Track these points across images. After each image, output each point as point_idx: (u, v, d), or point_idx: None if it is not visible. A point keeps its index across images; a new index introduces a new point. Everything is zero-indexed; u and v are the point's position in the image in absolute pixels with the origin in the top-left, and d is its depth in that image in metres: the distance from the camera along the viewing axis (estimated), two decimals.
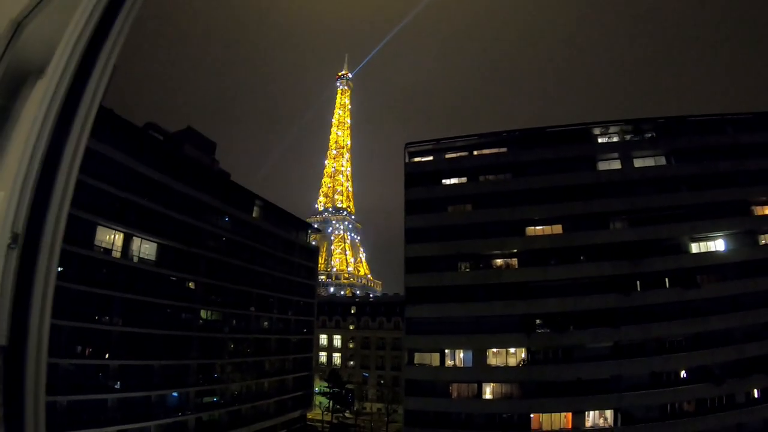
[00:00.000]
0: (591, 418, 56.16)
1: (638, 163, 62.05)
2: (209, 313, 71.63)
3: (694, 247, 59.30)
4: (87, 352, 52.35)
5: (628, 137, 63.98)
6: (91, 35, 2.48)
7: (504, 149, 67.31)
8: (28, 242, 2.04)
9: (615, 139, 64.56)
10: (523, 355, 58.75)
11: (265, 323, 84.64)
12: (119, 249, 56.56)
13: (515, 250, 62.05)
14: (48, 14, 2.81)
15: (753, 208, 59.83)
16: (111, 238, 55.70)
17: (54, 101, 2.35)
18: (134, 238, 58.40)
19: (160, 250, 62.11)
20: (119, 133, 56.36)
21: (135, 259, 58.56)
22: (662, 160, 61.96)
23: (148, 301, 59.12)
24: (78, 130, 2.28)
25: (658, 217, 58.55)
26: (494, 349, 59.74)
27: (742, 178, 58.56)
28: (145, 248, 60.15)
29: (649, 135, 63.51)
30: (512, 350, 59.22)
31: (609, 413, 55.69)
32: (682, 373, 56.66)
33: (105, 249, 54.67)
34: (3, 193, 2.32)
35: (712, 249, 59.19)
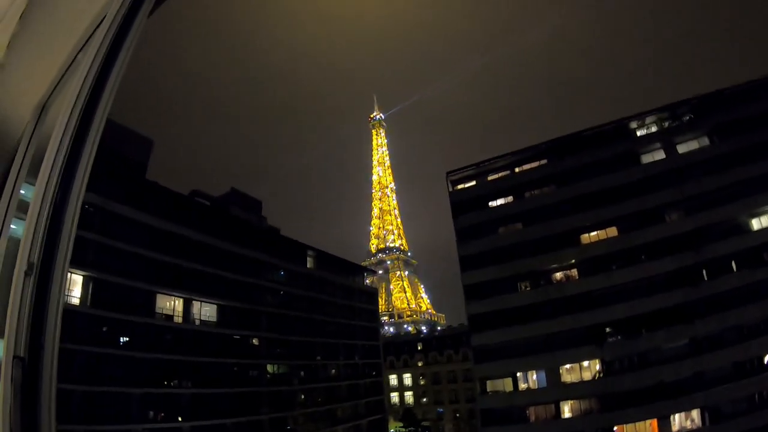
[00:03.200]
0: (677, 421, 52.78)
1: (682, 148, 59.57)
2: (276, 366, 72.08)
3: (756, 224, 55.37)
4: (159, 416, 53.41)
5: (666, 124, 61.87)
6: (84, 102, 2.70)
7: (544, 161, 66.46)
8: (42, 270, 2.36)
9: (654, 129, 62.54)
10: (597, 367, 56.42)
11: (333, 370, 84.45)
12: (180, 314, 58.23)
13: (573, 261, 60.46)
14: (66, 93, 2.99)
15: None
16: (171, 304, 57.46)
17: (59, 153, 2.60)
18: (194, 302, 59.99)
19: (220, 310, 63.36)
20: (166, 204, 58.69)
21: (197, 322, 59.99)
22: (706, 141, 59.15)
23: (214, 362, 60.21)
24: (81, 177, 2.53)
25: (713, 201, 55.42)
26: (567, 366, 57.67)
27: None
28: (205, 311, 61.54)
29: (687, 117, 61.02)
30: (586, 364, 57.05)
31: (695, 413, 52.15)
32: (767, 358, 52.77)
33: (167, 315, 56.40)
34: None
35: None
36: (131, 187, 55.00)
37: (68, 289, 46.46)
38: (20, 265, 2.41)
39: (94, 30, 2.76)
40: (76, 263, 46.74)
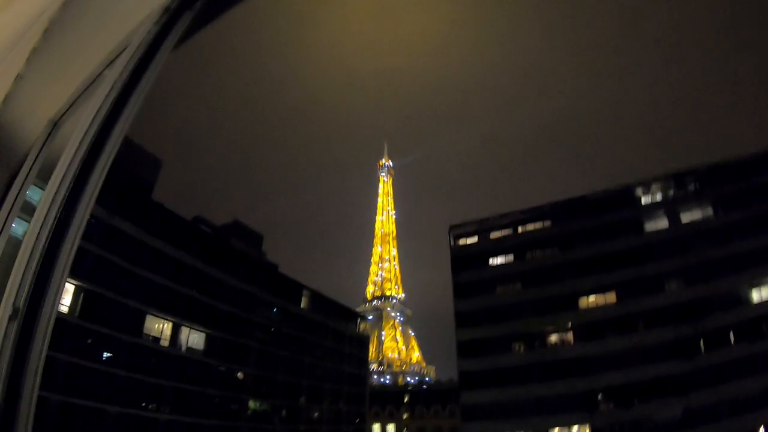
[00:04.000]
0: None
1: (685, 218, 59.95)
2: (258, 403, 70.54)
3: (755, 295, 54.82)
4: None
5: (671, 192, 62.34)
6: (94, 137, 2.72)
7: (548, 222, 66.81)
8: (27, 315, 2.27)
9: (658, 197, 63.06)
10: None
11: (316, 414, 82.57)
12: (168, 338, 57.61)
13: (569, 325, 59.97)
14: (80, 113, 3.03)
15: None
16: (160, 327, 56.92)
17: (60, 190, 2.56)
18: (183, 327, 59.29)
19: (209, 340, 62.59)
20: (168, 226, 58.78)
21: (183, 349, 59.26)
22: (710, 211, 59.49)
23: (195, 390, 59.13)
24: (80, 217, 2.49)
25: (713, 271, 55.21)
26: (557, 429, 56.32)
27: None
28: (193, 338, 60.85)
29: (692, 186, 61.66)
30: (575, 429, 55.75)
31: None
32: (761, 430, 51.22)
33: (154, 337, 55.73)
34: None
35: None
36: (136, 204, 55.33)
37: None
38: (4, 309, 2.32)
39: (117, 56, 2.80)
40: (70, 271, 46.16)
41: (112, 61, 2.68)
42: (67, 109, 2.97)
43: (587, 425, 55.15)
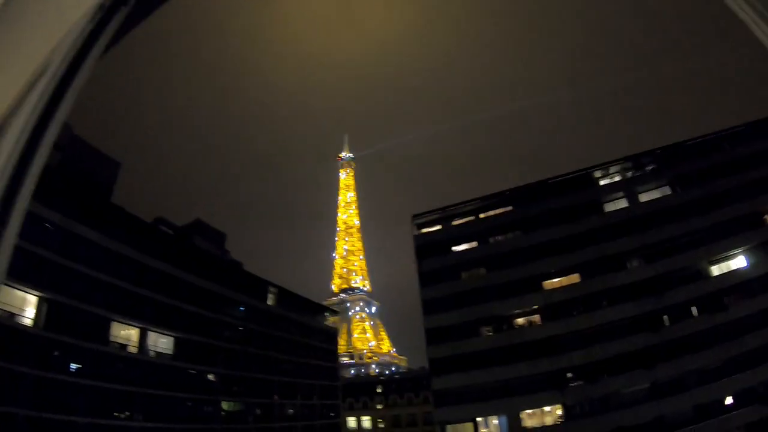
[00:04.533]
0: None
1: (644, 197, 61.73)
2: (231, 404, 69.92)
3: (715, 270, 57.19)
4: None
5: (629, 174, 64.22)
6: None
7: (509, 207, 67.70)
8: None
9: (617, 179, 64.78)
10: (559, 412, 56.34)
11: (290, 410, 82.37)
12: (135, 343, 56.36)
13: (536, 306, 61.02)
14: (20, 114, 2.96)
15: (766, 217, 57.50)
16: (127, 333, 55.71)
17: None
18: (150, 332, 58.17)
19: (177, 343, 61.62)
20: (130, 229, 57.49)
21: (152, 353, 58.12)
22: (667, 190, 61.55)
23: (167, 395, 58.13)
24: (16, 217, 2.45)
25: (673, 248, 57.42)
26: (528, 411, 57.43)
27: (749, 190, 56.82)
28: (161, 342, 59.79)
29: (650, 168, 63.65)
30: (547, 408, 56.99)
31: None
32: (728, 400, 53.36)
33: (121, 344, 54.53)
34: None
35: (734, 267, 56.75)
36: (95, 208, 53.72)
37: (21, 308, 44.68)
38: None
39: (51, 57, 2.76)
40: (32, 282, 44.99)
41: (48, 63, 2.65)
42: (9, 113, 2.90)
43: (558, 403, 56.37)
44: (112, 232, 54.27)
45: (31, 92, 2.85)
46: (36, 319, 45.57)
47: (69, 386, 47.50)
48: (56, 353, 47.46)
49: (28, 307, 45.23)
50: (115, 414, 52.54)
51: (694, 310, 55.75)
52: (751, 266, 56.16)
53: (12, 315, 43.52)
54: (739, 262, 57.12)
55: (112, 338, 53.58)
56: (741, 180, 57.95)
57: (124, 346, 54.84)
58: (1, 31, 3.17)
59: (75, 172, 50.75)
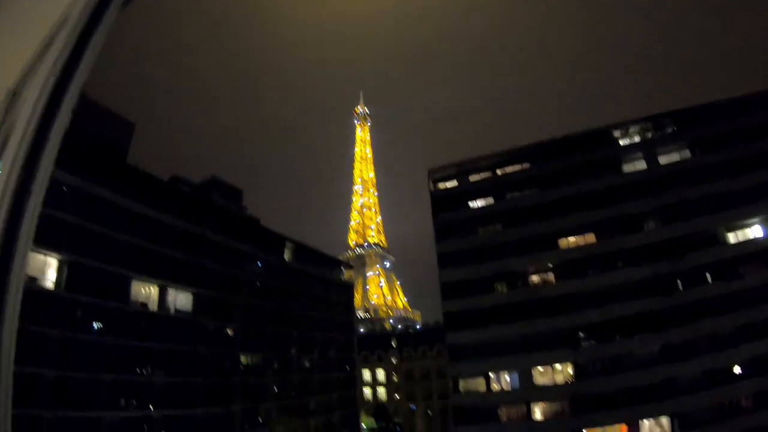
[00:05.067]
0: (647, 427, 53.74)
1: (663, 159, 60.68)
2: (250, 357, 71.59)
3: (732, 237, 56.66)
4: (131, 404, 52.70)
5: (649, 135, 62.93)
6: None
7: (527, 164, 66.95)
8: None
9: (636, 139, 63.50)
10: (570, 370, 57.10)
11: (307, 363, 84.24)
12: (155, 301, 57.49)
13: (551, 264, 61.03)
14: (36, 81, 2.91)
15: None
16: (147, 291, 56.71)
17: (18, 156, 2.46)
18: (169, 289, 59.23)
19: (196, 299, 62.77)
20: (146, 188, 57.92)
21: (172, 311, 59.30)
22: (687, 153, 60.39)
23: (188, 351, 59.71)
24: (40, 181, 2.41)
25: (691, 212, 56.73)
26: (540, 368, 58.23)
27: None
28: (180, 299, 60.84)
29: (671, 129, 62.26)
30: (558, 366, 57.71)
31: (665, 420, 53.20)
32: (736, 368, 53.87)
33: (141, 302, 55.69)
34: None
35: (751, 236, 56.23)
36: (111, 169, 53.99)
37: (43, 272, 45.70)
38: None
39: (65, 21, 2.71)
40: (52, 245, 45.85)
41: (62, 24, 2.61)
42: (25, 77, 2.89)
43: (569, 362, 57.05)
44: (128, 192, 54.68)
45: (48, 52, 2.84)
46: (57, 282, 46.59)
47: (92, 345, 48.97)
48: (78, 314, 48.68)
49: (49, 270, 46.22)
50: (137, 370, 54.14)
51: (708, 276, 55.53)
52: None
53: (34, 279, 44.57)
54: (756, 231, 56.45)
55: (132, 297, 54.68)
56: (764, 146, 56.65)
57: (144, 304, 56.05)
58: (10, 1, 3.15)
59: (89, 135, 50.88)
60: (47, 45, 2.75)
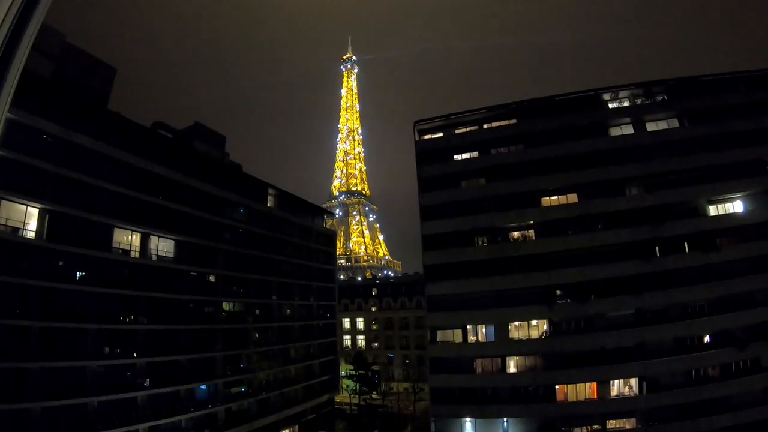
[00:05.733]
0: (616, 387, 55.95)
1: (651, 126, 60.64)
2: (232, 304, 72.36)
3: (712, 210, 57.85)
4: (115, 352, 53.29)
5: (639, 101, 62.74)
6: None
7: (514, 121, 66.43)
8: None
9: (626, 104, 63.20)
10: (545, 327, 58.60)
11: (288, 310, 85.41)
12: (137, 249, 57.28)
13: (532, 222, 61.47)
14: None
15: None
16: (128, 239, 56.38)
17: None
18: (151, 237, 59.03)
19: (178, 246, 62.74)
20: (128, 135, 56.84)
21: (154, 258, 59.27)
22: (675, 123, 60.46)
23: (170, 298, 60.10)
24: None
25: (674, 181, 57.30)
26: (516, 323, 59.57)
27: (757, 137, 56.63)
28: (163, 246, 60.74)
29: (661, 98, 62.07)
30: (534, 323, 59.08)
31: (634, 381, 55.37)
32: (706, 338, 55.93)
33: (123, 250, 55.46)
34: None
35: (731, 211, 57.52)
36: (91, 116, 52.53)
37: (24, 222, 45.07)
38: None
39: None
40: (33, 195, 45.08)
41: None
42: None
43: (545, 319, 58.42)
44: (110, 139, 53.46)
45: None
46: (39, 232, 46.01)
47: (75, 295, 48.92)
48: (60, 263, 48.43)
49: (30, 220, 45.56)
50: (120, 318, 54.48)
51: (687, 246, 56.76)
52: (748, 212, 56.75)
53: (15, 229, 43.98)
54: (736, 206, 57.55)
55: (114, 245, 54.42)
56: (751, 124, 57.16)
57: (126, 252, 55.80)
58: None
59: (69, 81, 49.30)
60: None
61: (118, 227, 54.70)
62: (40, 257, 45.85)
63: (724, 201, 57.78)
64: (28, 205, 45.17)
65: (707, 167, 57.00)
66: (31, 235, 45.37)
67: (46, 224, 46.39)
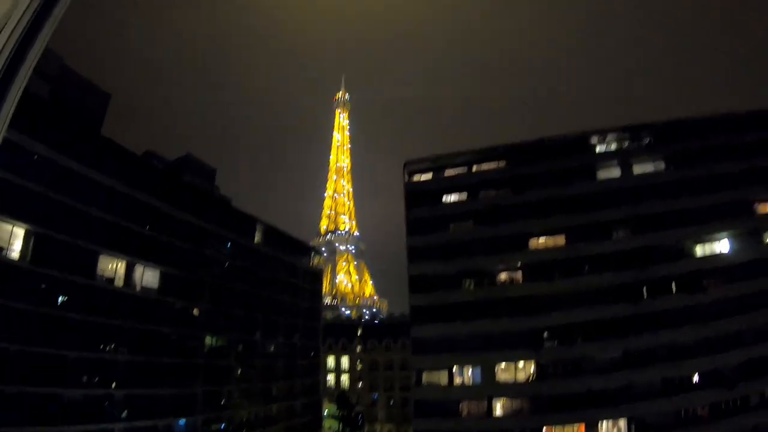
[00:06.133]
0: (605, 428, 55.11)
1: (638, 169, 61.73)
2: (215, 339, 71.20)
3: (699, 250, 58.46)
4: (93, 381, 51.91)
5: (626, 144, 63.90)
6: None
7: (503, 163, 67.29)
8: None
9: (613, 147, 64.35)
10: (532, 369, 58.06)
11: (272, 348, 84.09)
12: (122, 277, 56.57)
13: (519, 264, 61.69)
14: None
15: (756, 206, 58.34)
16: (113, 266, 55.71)
17: None
18: (136, 266, 58.36)
19: (163, 277, 61.99)
20: (119, 162, 56.84)
21: (138, 288, 58.46)
22: (662, 165, 61.54)
23: (152, 330, 59.03)
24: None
25: (660, 223, 57.94)
26: (503, 365, 59.04)
27: (742, 178, 57.48)
28: (147, 276, 60.01)
29: (647, 141, 63.35)
30: (521, 365, 58.55)
31: (623, 422, 54.59)
32: (694, 378, 55.50)
33: (108, 278, 54.73)
34: None
35: (717, 251, 58.11)
36: (84, 140, 52.68)
37: (9, 242, 44.47)
38: None
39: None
40: (19, 216, 44.62)
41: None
42: None
43: (532, 361, 57.97)
44: (101, 164, 53.43)
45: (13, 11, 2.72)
46: (23, 253, 45.38)
47: (56, 320, 47.90)
48: (43, 286, 47.58)
49: (15, 240, 44.99)
50: (100, 347, 53.30)
51: (674, 286, 56.97)
52: (734, 252, 57.39)
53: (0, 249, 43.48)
54: (723, 246, 58.18)
55: (99, 272, 53.68)
56: (736, 166, 58.10)
57: (110, 280, 55.07)
58: None
59: (64, 104, 49.58)
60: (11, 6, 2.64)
61: (103, 254, 54.11)
62: (22, 279, 45.04)
63: (710, 241, 58.33)
64: (14, 225, 44.64)
65: (694, 209, 57.51)
66: (15, 255, 44.68)
67: (31, 246, 45.78)
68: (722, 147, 59.53)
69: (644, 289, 57.02)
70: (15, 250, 44.85)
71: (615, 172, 62.17)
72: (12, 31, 2.53)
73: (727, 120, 61.66)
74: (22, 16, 2.52)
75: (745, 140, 59.35)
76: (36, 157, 46.11)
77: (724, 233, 57.91)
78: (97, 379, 52.32)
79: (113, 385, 53.76)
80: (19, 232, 45.25)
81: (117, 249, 55.42)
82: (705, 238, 58.16)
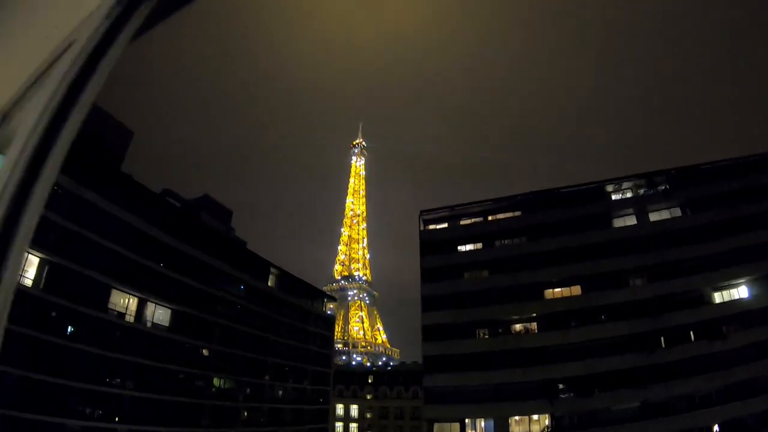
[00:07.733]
0: None
1: (654, 216, 61.32)
2: (223, 380, 70.40)
3: (717, 297, 57.09)
4: (96, 414, 51.31)
5: (641, 192, 63.79)
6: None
7: (518, 212, 67.47)
8: None
9: (628, 195, 64.32)
10: (546, 422, 56.42)
11: (280, 392, 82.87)
12: (133, 313, 56.69)
13: (534, 314, 60.93)
14: (33, 103, 2.86)
15: None
16: (125, 302, 55.94)
17: (8, 186, 2.37)
18: (148, 303, 58.52)
19: (174, 316, 61.96)
20: (137, 199, 57.80)
21: (149, 324, 58.43)
22: (677, 212, 61.12)
23: (160, 367, 58.56)
24: (31, 214, 2.30)
25: (677, 270, 57.02)
26: (517, 417, 57.55)
27: (759, 221, 56.42)
28: (159, 313, 60.07)
29: (663, 187, 63.13)
30: (536, 417, 57.07)
31: None
32: (715, 428, 53.23)
33: (119, 312, 54.86)
34: None
35: (736, 297, 56.62)
36: (105, 175, 53.84)
37: (23, 268, 44.84)
38: None
39: (67, 47, 2.67)
40: (35, 243, 45.08)
41: (66, 49, 2.56)
42: (17, 100, 2.81)
43: (547, 414, 56.45)
44: (119, 200, 54.45)
45: (47, 81, 2.76)
46: (36, 281, 45.77)
47: (64, 349, 47.84)
48: (53, 315, 47.73)
49: (29, 267, 45.46)
50: (107, 380, 52.93)
51: (692, 334, 55.60)
52: (754, 298, 55.91)
53: None
54: (742, 291, 56.90)
55: (110, 306, 53.86)
56: (753, 210, 57.42)
57: (121, 315, 55.17)
58: (7, 20, 3.09)
59: (88, 138, 50.82)
60: (44, 71, 2.68)
61: (116, 289, 54.39)
62: (32, 305, 44.98)
63: (729, 287, 56.99)
64: (29, 253, 44.98)
65: (711, 255, 56.51)
66: (28, 282, 44.94)
67: (44, 274, 46.19)
68: (737, 191, 58.86)
69: (662, 337, 55.63)
70: (28, 277, 45.23)
71: (631, 220, 61.82)
72: (50, 97, 2.58)
73: (741, 164, 61.44)
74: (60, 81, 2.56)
75: (761, 183, 58.75)
76: (56, 187, 46.90)
77: (742, 278, 56.60)
78: (100, 412, 51.74)
79: (116, 419, 53.08)
80: (33, 260, 45.78)
81: (130, 284, 55.71)
82: (723, 284, 56.89)
